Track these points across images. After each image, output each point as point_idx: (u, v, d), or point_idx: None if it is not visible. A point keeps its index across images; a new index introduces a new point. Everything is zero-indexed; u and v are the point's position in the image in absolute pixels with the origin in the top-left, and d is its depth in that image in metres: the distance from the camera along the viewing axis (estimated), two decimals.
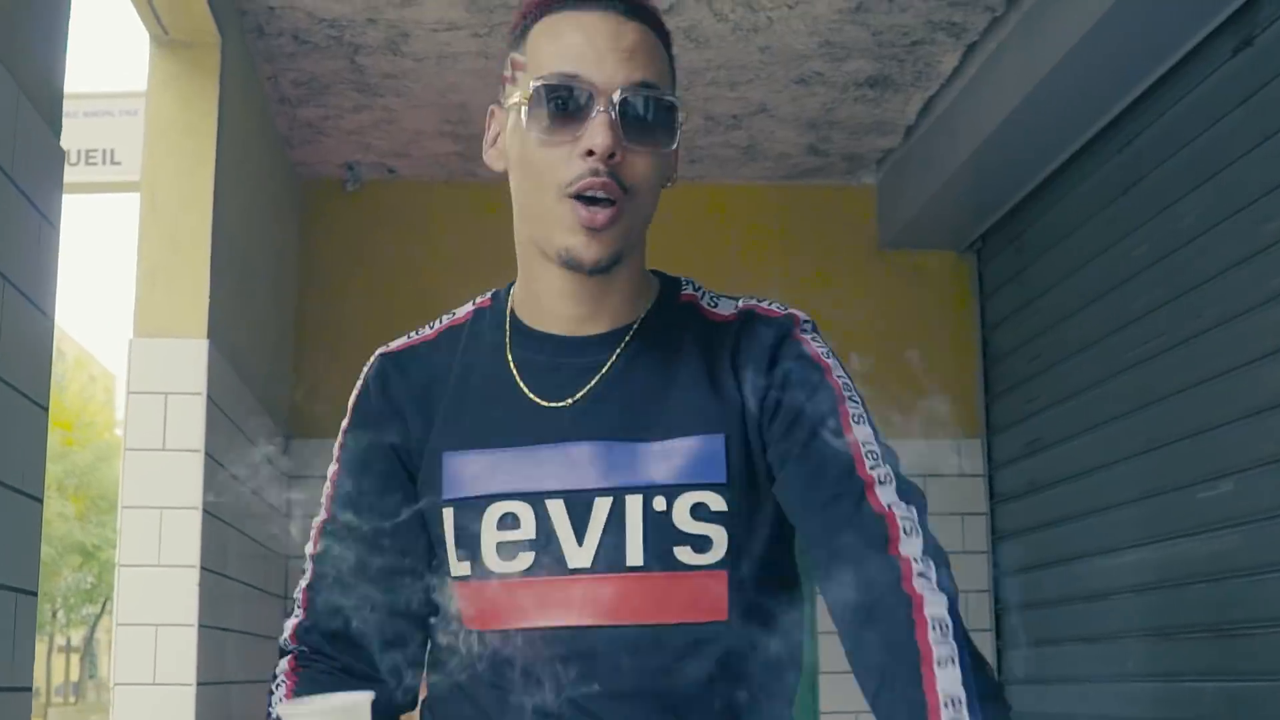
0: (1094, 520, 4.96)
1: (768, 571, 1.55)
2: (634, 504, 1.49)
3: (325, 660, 1.56)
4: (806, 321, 1.62)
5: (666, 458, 1.51)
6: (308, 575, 1.60)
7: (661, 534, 1.49)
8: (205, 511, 3.96)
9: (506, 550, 1.51)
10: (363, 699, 1.31)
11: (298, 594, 1.61)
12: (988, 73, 4.83)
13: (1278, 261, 3.81)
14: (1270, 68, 3.84)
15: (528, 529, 1.50)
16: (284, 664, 1.57)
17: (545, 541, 1.50)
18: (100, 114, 5.62)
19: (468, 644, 1.53)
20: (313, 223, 5.86)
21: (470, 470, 1.53)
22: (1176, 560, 4.37)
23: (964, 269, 6.16)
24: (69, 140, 5.41)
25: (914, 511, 1.48)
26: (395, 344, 1.66)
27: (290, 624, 1.59)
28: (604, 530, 1.49)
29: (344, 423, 1.64)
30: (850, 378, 1.59)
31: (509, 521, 1.51)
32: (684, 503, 1.50)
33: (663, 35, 1.55)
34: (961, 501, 5.96)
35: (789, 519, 1.55)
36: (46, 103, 2.53)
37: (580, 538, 1.49)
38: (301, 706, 1.35)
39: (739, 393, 1.55)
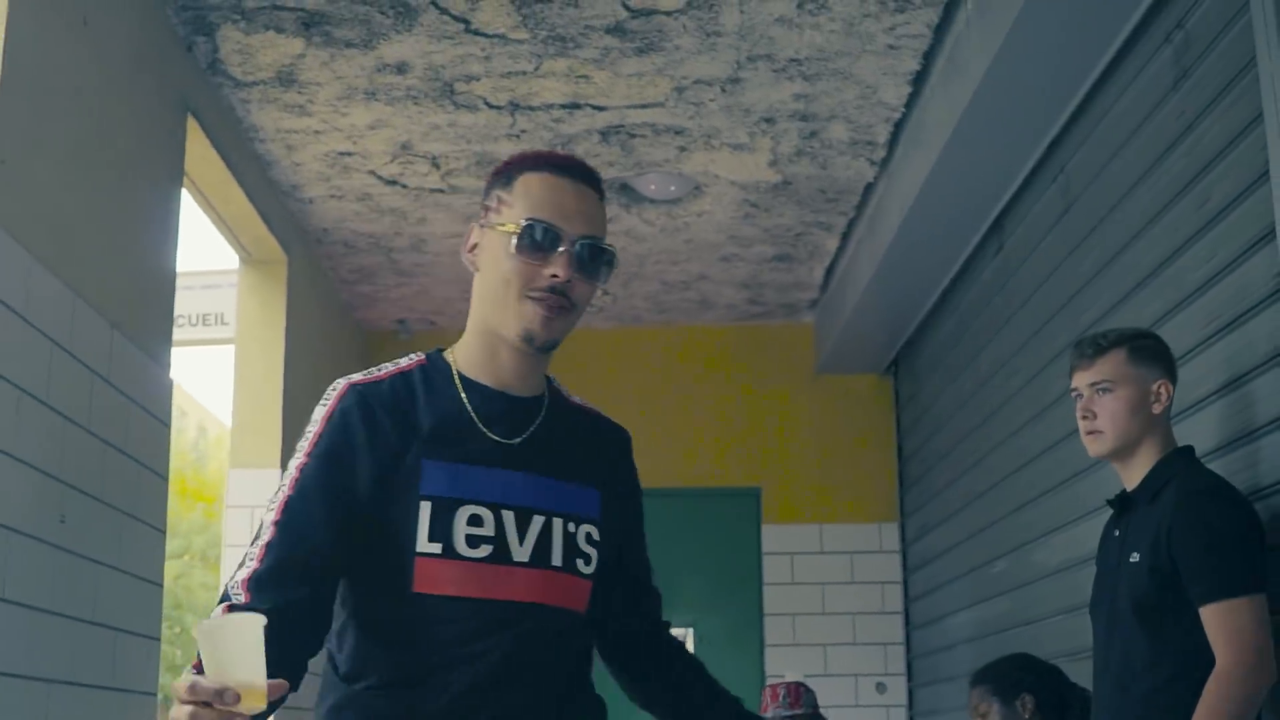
0: (947, 589, 6.55)
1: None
2: (558, 524, 2.08)
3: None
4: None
5: (573, 494, 2.12)
6: (266, 535, 1.97)
7: (571, 548, 2.09)
8: None
9: (473, 541, 2.00)
10: (257, 619, 1.64)
11: (254, 548, 1.96)
12: (857, 251, 6.48)
13: (1042, 393, 5.39)
14: (1012, 267, 5.45)
15: (488, 528, 2.02)
16: (219, 609, 1.90)
17: (499, 539, 2.02)
18: (214, 286, 7.46)
19: (420, 606, 1.99)
20: (376, 364, 7.63)
21: (447, 477, 2.02)
22: (983, 620, 5.94)
23: (885, 387, 7.77)
24: (192, 307, 7.31)
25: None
26: (359, 378, 2.13)
27: (241, 574, 1.93)
28: (538, 538, 2.06)
29: (314, 430, 2.06)
30: None
31: (474, 520, 2.01)
32: (583, 530, 2.11)
33: (603, 197, 2.17)
34: (883, 572, 7.55)
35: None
36: (160, 353, 4.31)
37: (521, 540, 2.04)
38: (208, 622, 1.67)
39: (603, 465, 2.22)
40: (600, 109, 5.13)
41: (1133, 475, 3.31)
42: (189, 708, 1.59)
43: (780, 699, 5.59)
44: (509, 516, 2.04)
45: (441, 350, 2.19)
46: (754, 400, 7.76)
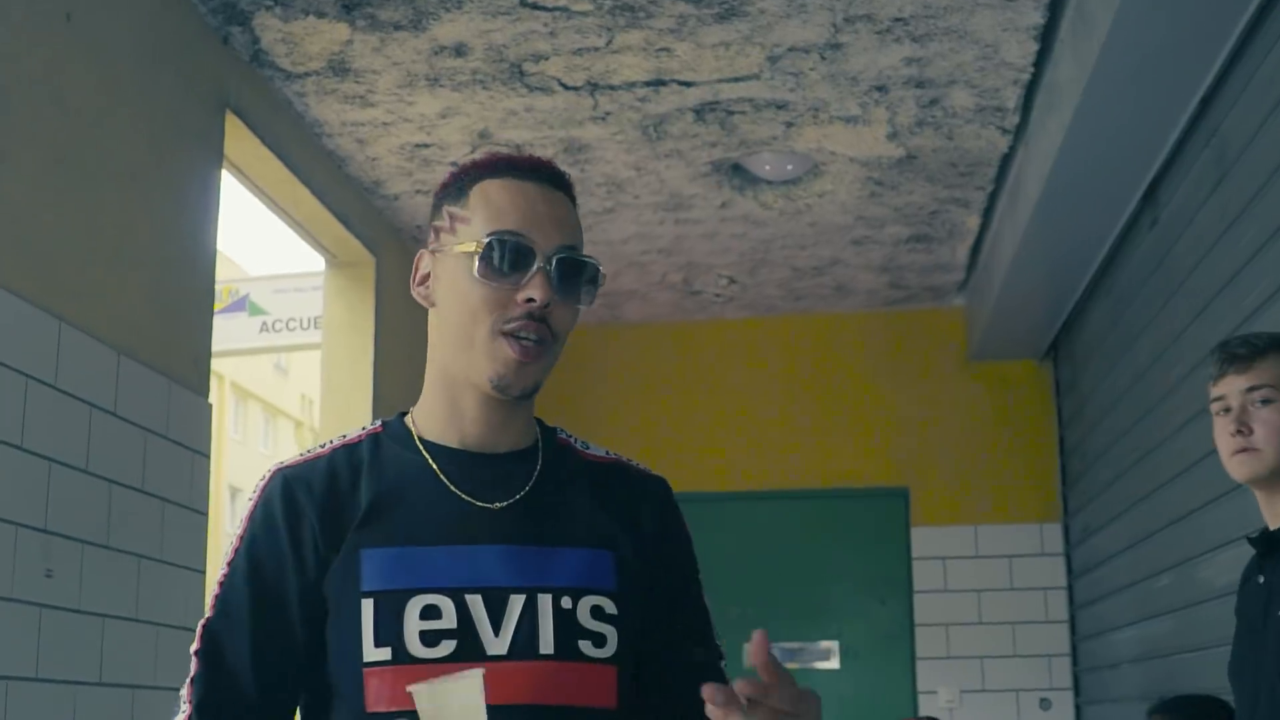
0: (1113, 599, 5.88)
1: None
2: (545, 601, 1.67)
3: None
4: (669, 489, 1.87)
5: (567, 562, 1.71)
6: (191, 670, 1.67)
7: (569, 628, 1.67)
8: None
9: (430, 638, 1.63)
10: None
11: (183, 690, 1.66)
12: (1000, 229, 5.85)
13: (1204, 387, 4.73)
14: (1170, 238, 4.79)
15: (448, 620, 1.63)
16: None
17: (464, 631, 1.64)
18: (314, 289, 7.12)
19: None
20: None
21: (392, 566, 1.65)
22: (1148, 638, 5.29)
23: (1043, 374, 7.09)
24: (292, 310, 6.98)
25: None
26: (290, 461, 1.75)
27: None
28: (518, 623, 1.65)
29: (239, 530, 1.71)
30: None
31: (430, 612, 1.64)
32: (588, 604, 1.69)
33: (574, 202, 1.79)
34: (1046, 577, 6.88)
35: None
36: (192, 378, 3.93)
37: (497, 628, 1.65)
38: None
39: (625, 523, 1.78)
40: (688, 85, 4.61)
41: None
42: None
43: None
44: (475, 602, 1.65)
45: (404, 414, 1.81)
46: (901, 391, 7.14)
